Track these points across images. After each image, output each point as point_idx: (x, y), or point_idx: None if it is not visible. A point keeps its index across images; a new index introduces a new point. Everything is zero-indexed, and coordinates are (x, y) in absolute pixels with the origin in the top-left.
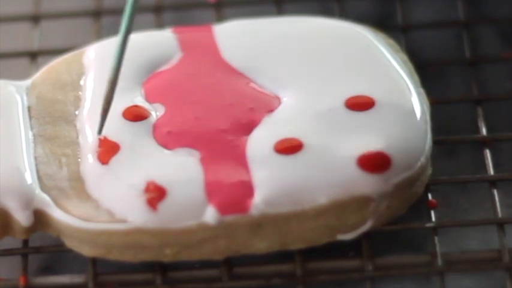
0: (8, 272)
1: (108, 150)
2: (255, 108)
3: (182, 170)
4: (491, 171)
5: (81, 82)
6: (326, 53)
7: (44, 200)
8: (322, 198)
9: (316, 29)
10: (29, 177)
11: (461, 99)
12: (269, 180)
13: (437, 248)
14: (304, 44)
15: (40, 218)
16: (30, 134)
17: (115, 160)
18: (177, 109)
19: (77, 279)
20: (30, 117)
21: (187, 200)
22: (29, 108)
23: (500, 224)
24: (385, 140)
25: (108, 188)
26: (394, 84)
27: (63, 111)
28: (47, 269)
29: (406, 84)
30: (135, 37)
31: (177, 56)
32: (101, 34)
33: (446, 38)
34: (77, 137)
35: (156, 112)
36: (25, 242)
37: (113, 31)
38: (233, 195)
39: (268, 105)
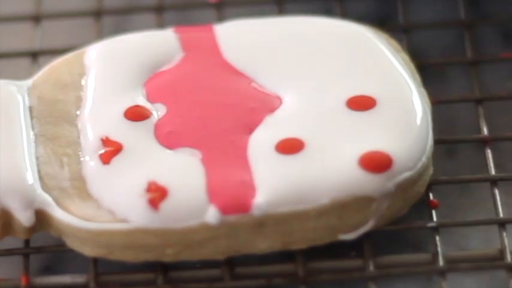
0: (9, 272)
1: (109, 150)
2: (257, 108)
3: (184, 170)
4: (493, 171)
5: (83, 82)
6: (327, 52)
7: (46, 200)
8: (324, 198)
9: (317, 29)
10: (31, 177)
11: (462, 99)
12: (271, 180)
13: (439, 248)
14: (305, 44)
15: (41, 218)
16: (32, 134)
17: (116, 160)
18: (178, 109)
19: (79, 279)
20: (32, 117)
21: (188, 199)
22: (30, 108)
23: (502, 224)
24: (387, 139)
25: (109, 188)
26: (396, 84)
27: (65, 111)
28: (48, 269)
29: (408, 84)
30: (136, 37)
31: (179, 56)
32: (101, 34)
33: (447, 38)
34: (79, 137)
35: (157, 112)
36: (26, 242)
37: (114, 31)
38: (235, 195)
39: (269, 105)
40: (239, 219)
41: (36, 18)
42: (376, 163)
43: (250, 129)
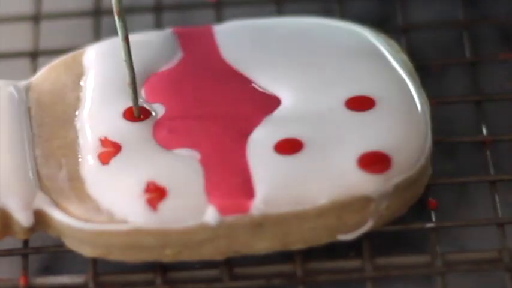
0: (8, 272)
1: (108, 150)
2: (255, 108)
3: (182, 170)
4: (492, 172)
5: (81, 82)
6: (326, 53)
7: (44, 201)
8: (323, 199)
9: (316, 30)
10: (29, 178)
11: (461, 99)
12: (269, 180)
13: (438, 249)
14: (304, 45)
15: (40, 219)
16: (30, 134)
17: (115, 160)
18: (177, 109)
19: (77, 279)
20: (30, 118)
21: (187, 200)
22: (29, 109)
23: (501, 225)
24: (385, 140)
25: (108, 188)
26: (395, 84)
27: (63, 111)
28: (47, 269)
29: (407, 84)
30: (135, 37)
31: (177, 57)
32: (100, 34)
33: (446, 39)
34: (77, 138)
35: (156, 112)
36: (25, 243)
37: (113, 31)
38: (233, 196)
39: (268, 105)
40: (238, 220)
41: (35, 19)
42: (375, 163)
43: (249, 129)
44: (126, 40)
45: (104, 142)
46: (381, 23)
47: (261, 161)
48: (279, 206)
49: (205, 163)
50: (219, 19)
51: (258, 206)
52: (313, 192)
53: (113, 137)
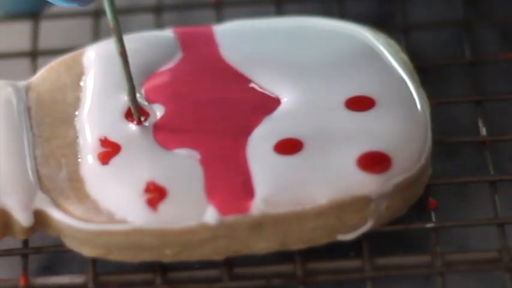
0: (8, 272)
1: (108, 150)
2: (255, 108)
3: (182, 170)
4: (491, 172)
5: (81, 82)
6: (326, 53)
7: (44, 201)
8: (322, 199)
9: (316, 30)
10: (29, 178)
11: (461, 99)
12: (269, 180)
13: (438, 249)
14: (304, 45)
15: (40, 219)
16: (30, 134)
17: (115, 160)
18: (177, 109)
19: (77, 279)
20: (30, 118)
21: (187, 200)
22: (29, 109)
23: (501, 225)
24: (385, 140)
25: (108, 188)
26: (394, 84)
27: (63, 111)
28: (47, 269)
29: (406, 84)
30: (135, 37)
31: (177, 56)
32: (100, 34)
33: (446, 39)
34: (77, 138)
35: (156, 112)
36: (25, 242)
37: None
38: (233, 196)
39: (268, 105)
40: (238, 220)
41: (35, 19)
42: (374, 163)
43: (249, 129)
44: (123, 55)
45: (104, 142)
46: (380, 23)
47: (261, 161)
48: (279, 206)
49: (205, 163)
50: (219, 19)
51: (258, 206)
52: (313, 192)
53: (113, 137)
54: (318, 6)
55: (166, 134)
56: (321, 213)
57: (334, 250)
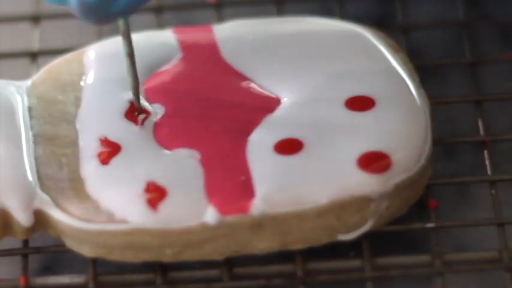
0: (8, 272)
1: (108, 150)
2: (255, 108)
3: (182, 170)
4: (491, 172)
5: (82, 82)
6: (326, 53)
7: (44, 200)
8: (323, 199)
9: (316, 30)
10: (29, 178)
11: (461, 99)
12: (269, 180)
13: (438, 249)
14: (304, 45)
15: (40, 218)
16: (31, 134)
17: (115, 160)
18: (177, 109)
19: (77, 279)
20: (31, 118)
21: (187, 200)
22: (30, 109)
23: (501, 225)
24: (385, 140)
25: (108, 188)
26: (394, 84)
27: (64, 111)
28: (47, 269)
29: (406, 84)
30: (135, 37)
31: (178, 56)
32: (101, 34)
33: (446, 38)
34: (77, 138)
35: (156, 112)
36: (25, 242)
37: (113, 31)
38: (233, 196)
39: (268, 105)
40: (238, 220)
41: (36, 18)
42: (374, 163)
43: (249, 129)
44: (131, 56)
45: (104, 142)
46: (380, 23)
47: (261, 161)
48: (279, 205)
49: (205, 163)
50: (219, 19)
51: (258, 206)
52: (313, 192)
53: (113, 137)
54: (318, 6)
55: (166, 134)
56: (321, 213)
57: (334, 250)
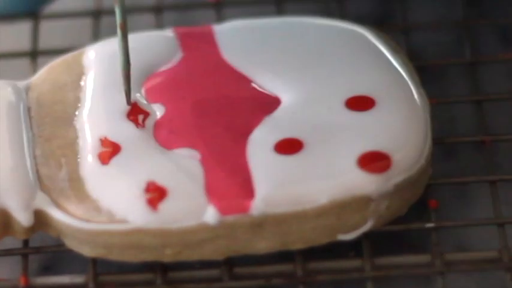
0: (8, 272)
1: (108, 150)
2: (255, 108)
3: (182, 170)
4: (491, 172)
5: (81, 82)
6: (326, 53)
7: (44, 200)
8: (323, 198)
9: (316, 30)
10: (29, 178)
11: (461, 99)
12: (269, 180)
13: (438, 249)
14: (304, 44)
15: (40, 218)
16: (30, 134)
17: (115, 160)
18: (177, 109)
19: (78, 279)
20: (30, 118)
21: (187, 200)
22: (29, 109)
23: (501, 224)
24: (385, 140)
25: (108, 188)
26: (395, 84)
27: (63, 111)
28: (47, 269)
29: (407, 84)
30: (135, 37)
31: (177, 56)
32: (100, 34)
33: (446, 39)
34: (77, 138)
35: (156, 112)
36: (25, 242)
37: (113, 31)
38: (233, 196)
39: (268, 105)
40: (238, 220)
41: (35, 19)
42: (374, 163)
43: (249, 129)
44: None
45: (104, 142)
46: (380, 23)
47: (261, 161)
48: (279, 206)
49: (205, 163)
50: (219, 19)
51: (258, 206)
52: (313, 192)
53: (113, 137)
54: (318, 6)
55: (166, 134)
56: (321, 213)
57: (334, 250)
